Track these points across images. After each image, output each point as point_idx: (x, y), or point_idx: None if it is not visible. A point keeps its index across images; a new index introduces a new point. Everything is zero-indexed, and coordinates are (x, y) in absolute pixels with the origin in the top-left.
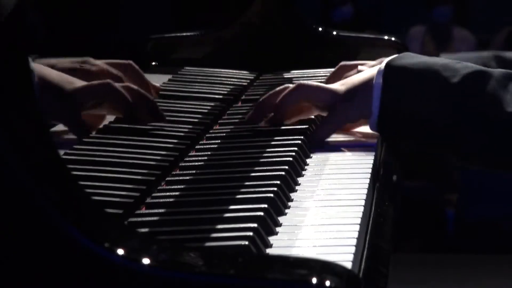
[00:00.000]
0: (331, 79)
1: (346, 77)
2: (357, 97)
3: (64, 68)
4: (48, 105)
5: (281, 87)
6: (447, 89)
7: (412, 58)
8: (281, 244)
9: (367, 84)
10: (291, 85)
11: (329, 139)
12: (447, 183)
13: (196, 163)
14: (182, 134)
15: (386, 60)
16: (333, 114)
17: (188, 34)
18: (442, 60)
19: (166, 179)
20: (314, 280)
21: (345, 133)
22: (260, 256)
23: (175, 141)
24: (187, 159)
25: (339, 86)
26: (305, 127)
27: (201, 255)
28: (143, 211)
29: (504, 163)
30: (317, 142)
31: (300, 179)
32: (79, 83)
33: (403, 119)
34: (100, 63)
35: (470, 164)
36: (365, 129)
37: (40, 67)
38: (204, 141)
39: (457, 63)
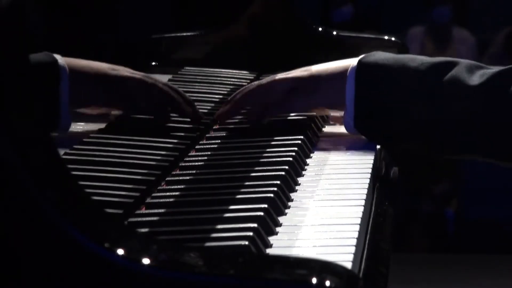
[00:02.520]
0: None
1: None
2: (324, 83)
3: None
4: (89, 90)
5: (250, 88)
6: (414, 76)
7: (382, 55)
8: (281, 244)
9: (334, 73)
10: (255, 84)
11: (329, 140)
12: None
13: (196, 163)
14: (182, 134)
15: (357, 58)
16: (292, 99)
17: (188, 34)
18: (410, 55)
19: (166, 179)
20: (314, 280)
21: (345, 134)
22: (260, 256)
23: (175, 141)
24: (187, 159)
25: (301, 72)
26: (306, 126)
27: (201, 255)
28: (143, 211)
29: (473, 147)
30: (252, 122)
31: (300, 179)
32: (123, 71)
33: (378, 113)
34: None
35: (449, 153)
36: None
37: (68, 60)
38: (204, 141)
39: (426, 57)
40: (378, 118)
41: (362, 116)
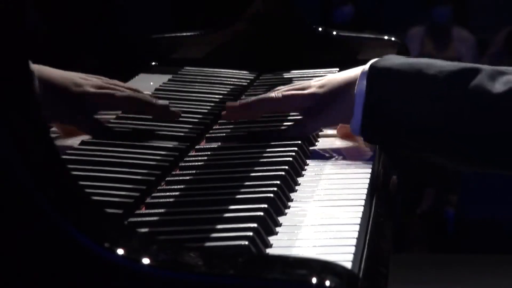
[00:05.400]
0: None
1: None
2: (338, 99)
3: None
4: (52, 106)
5: (267, 97)
6: (433, 85)
7: (396, 59)
8: (281, 244)
9: (349, 86)
10: (275, 94)
11: (329, 140)
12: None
13: (196, 163)
14: (182, 134)
15: (369, 62)
16: (311, 118)
17: (188, 34)
18: (426, 60)
19: (166, 179)
20: (314, 280)
21: (345, 134)
22: (260, 256)
23: (175, 141)
24: (187, 159)
25: (318, 88)
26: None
27: (201, 255)
28: (143, 211)
29: (496, 160)
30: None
31: (300, 179)
32: (86, 86)
33: (388, 122)
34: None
35: (462, 165)
36: (347, 133)
37: (40, 67)
38: (204, 141)
39: (442, 61)
40: (387, 126)
41: (370, 123)
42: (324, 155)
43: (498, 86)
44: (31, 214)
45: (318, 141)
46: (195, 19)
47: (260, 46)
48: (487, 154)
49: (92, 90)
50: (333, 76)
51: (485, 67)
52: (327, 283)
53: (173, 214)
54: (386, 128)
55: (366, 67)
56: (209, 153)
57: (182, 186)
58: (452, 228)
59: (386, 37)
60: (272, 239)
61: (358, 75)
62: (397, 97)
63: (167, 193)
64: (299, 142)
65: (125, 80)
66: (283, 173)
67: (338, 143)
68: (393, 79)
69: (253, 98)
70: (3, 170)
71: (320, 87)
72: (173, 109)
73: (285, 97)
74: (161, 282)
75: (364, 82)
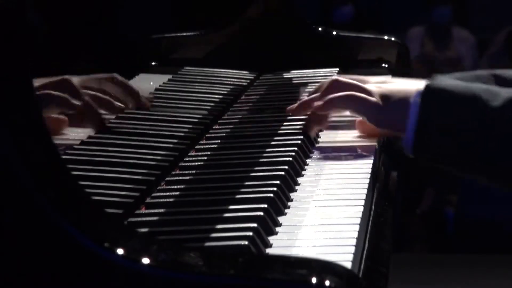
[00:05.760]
0: (322, 94)
1: None
2: (392, 111)
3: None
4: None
5: (329, 84)
6: (488, 112)
7: (452, 81)
8: (281, 244)
9: (404, 101)
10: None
11: (329, 140)
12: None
13: (196, 163)
14: (182, 134)
15: (425, 82)
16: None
17: (188, 34)
18: (483, 85)
19: (166, 179)
20: (314, 280)
21: (345, 134)
22: (260, 256)
23: (175, 141)
24: (187, 159)
25: (379, 98)
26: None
27: (201, 255)
28: (143, 211)
29: None
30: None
31: (300, 179)
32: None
33: (439, 141)
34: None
35: (506, 187)
36: (366, 130)
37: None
38: (204, 141)
39: (499, 87)
40: (438, 146)
41: (421, 144)
42: (324, 155)
43: None
44: (31, 214)
45: (318, 141)
46: (195, 19)
47: (260, 46)
48: None
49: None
50: (391, 88)
51: None
52: (327, 283)
53: (173, 214)
54: (436, 147)
55: (421, 86)
56: (209, 153)
57: (182, 186)
58: (452, 228)
59: (386, 37)
60: (272, 239)
61: (412, 92)
62: (449, 118)
63: (167, 193)
64: (299, 142)
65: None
66: (283, 173)
67: (338, 143)
68: (447, 99)
69: (328, 96)
70: (3, 170)
71: (381, 97)
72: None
73: (352, 98)
74: (161, 282)
75: (418, 100)
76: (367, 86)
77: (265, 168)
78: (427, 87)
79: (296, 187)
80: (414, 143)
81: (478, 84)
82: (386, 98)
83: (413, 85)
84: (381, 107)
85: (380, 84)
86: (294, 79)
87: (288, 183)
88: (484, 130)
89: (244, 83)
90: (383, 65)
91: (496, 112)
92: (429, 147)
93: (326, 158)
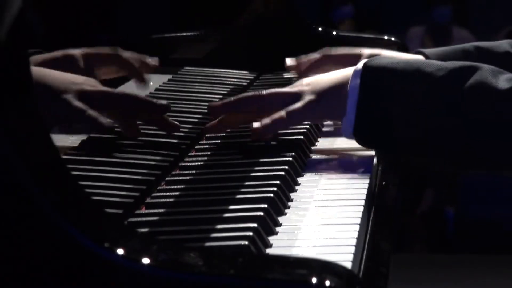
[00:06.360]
0: (313, 69)
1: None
2: (326, 96)
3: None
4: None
5: (250, 94)
6: (432, 84)
7: (390, 58)
8: (281, 244)
9: (339, 85)
10: (259, 92)
11: (329, 140)
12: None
13: (196, 163)
14: (182, 134)
15: (362, 61)
16: (294, 114)
17: (188, 34)
18: (422, 60)
19: (166, 179)
20: (314, 280)
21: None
22: (260, 256)
23: (175, 141)
24: (187, 159)
25: (304, 86)
26: (305, 128)
27: (201, 255)
28: (143, 211)
29: (501, 160)
30: (259, 135)
31: (300, 179)
32: (86, 86)
33: (384, 120)
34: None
35: (462, 167)
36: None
37: (37, 69)
38: (204, 141)
39: (440, 61)
40: (383, 126)
41: (364, 124)
42: (324, 155)
43: (502, 83)
44: (31, 214)
45: (318, 141)
46: (195, 19)
47: (260, 46)
48: (487, 152)
49: (89, 88)
50: (321, 76)
51: (484, 65)
52: (327, 283)
53: (173, 214)
54: (381, 128)
55: (359, 66)
56: (209, 153)
57: (182, 186)
58: (452, 228)
59: (386, 37)
60: (272, 239)
61: (350, 74)
62: (393, 95)
63: (167, 193)
64: (299, 142)
65: (125, 80)
66: (283, 173)
67: (338, 143)
68: (389, 76)
69: (237, 96)
70: (3, 170)
71: (307, 85)
72: (171, 120)
73: (268, 94)
74: (161, 282)
75: (358, 81)
76: (295, 89)
77: (265, 168)
78: (365, 66)
79: (296, 187)
80: (356, 123)
81: (419, 57)
82: (318, 92)
83: (346, 70)
84: (316, 104)
85: (310, 79)
86: (294, 79)
87: (288, 183)
88: (430, 103)
89: (244, 83)
90: None
91: (441, 82)
92: (372, 126)
93: (326, 158)
